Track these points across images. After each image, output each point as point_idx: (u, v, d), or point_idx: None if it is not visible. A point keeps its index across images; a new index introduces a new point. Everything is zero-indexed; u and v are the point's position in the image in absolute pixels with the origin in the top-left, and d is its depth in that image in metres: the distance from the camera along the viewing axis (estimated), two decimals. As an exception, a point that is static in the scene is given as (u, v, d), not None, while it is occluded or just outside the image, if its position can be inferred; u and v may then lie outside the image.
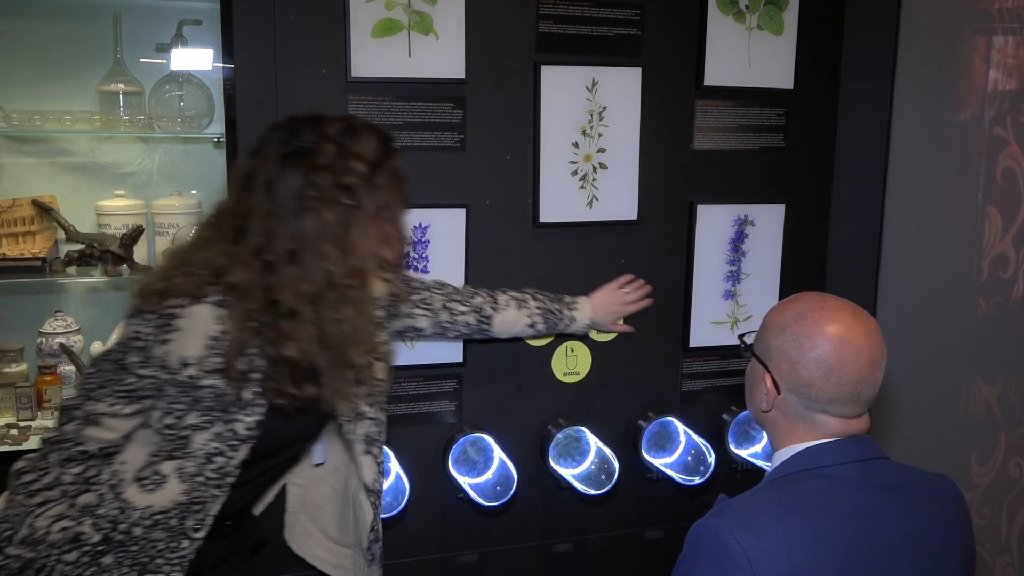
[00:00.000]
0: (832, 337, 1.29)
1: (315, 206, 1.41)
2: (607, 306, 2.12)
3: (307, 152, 1.43)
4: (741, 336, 1.48)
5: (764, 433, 2.36)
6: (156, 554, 1.48)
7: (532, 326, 2.01)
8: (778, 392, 1.34)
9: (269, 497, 1.85)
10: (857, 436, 1.34)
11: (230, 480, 1.50)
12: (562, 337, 2.23)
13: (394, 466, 2.09)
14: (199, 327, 1.41)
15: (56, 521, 1.45)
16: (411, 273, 1.90)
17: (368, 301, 1.51)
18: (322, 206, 1.42)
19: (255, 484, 1.66)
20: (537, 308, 2.01)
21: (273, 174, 1.43)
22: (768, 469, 2.28)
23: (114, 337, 2.32)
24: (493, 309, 1.95)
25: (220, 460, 1.48)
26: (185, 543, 1.50)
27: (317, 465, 1.83)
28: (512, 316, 1.98)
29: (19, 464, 1.49)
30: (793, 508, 1.26)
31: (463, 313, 1.91)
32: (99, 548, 1.46)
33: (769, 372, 1.35)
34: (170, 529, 1.48)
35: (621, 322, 2.21)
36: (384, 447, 1.76)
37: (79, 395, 1.47)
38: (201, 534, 1.51)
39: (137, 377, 1.44)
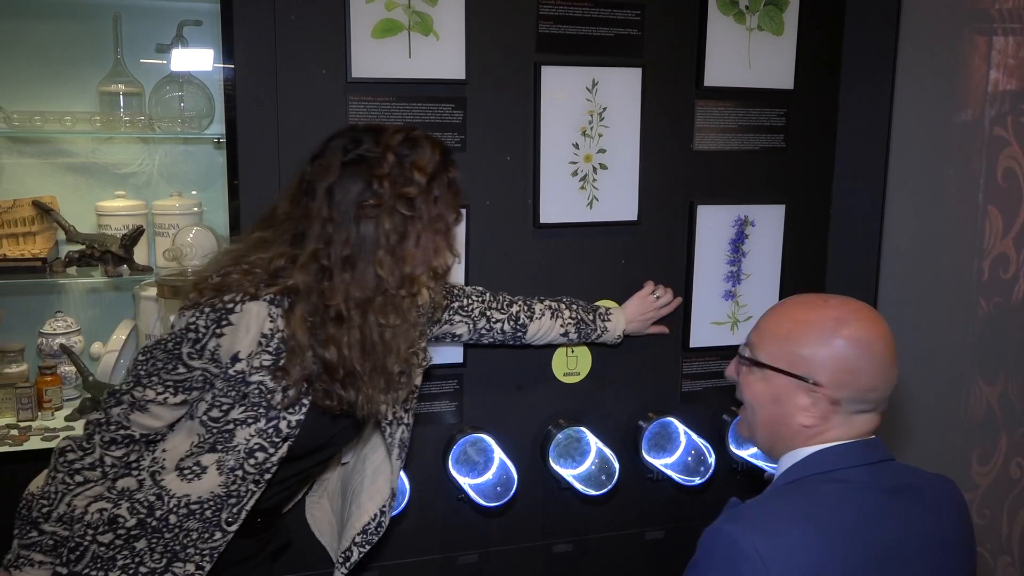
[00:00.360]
0: (882, 337, 1.29)
1: (374, 214, 1.44)
2: (640, 313, 2.17)
3: (368, 161, 1.46)
4: (743, 355, 1.39)
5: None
6: (188, 543, 1.51)
7: (565, 335, 2.05)
8: (831, 403, 1.29)
9: (299, 497, 1.88)
10: (867, 438, 1.33)
11: (268, 476, 1.53)
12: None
13: (394, 466, 2.09)
14: (252, 324, 1.45)
15: (94, 502, 1.49)
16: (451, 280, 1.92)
17: (415, 310, 1.54)
18: (381, 214, 1.44)
19: (289, 483, 1.68)
20: (571, 318, 2.04)
21: (334, 181, 1.45)
22: (769, 469, 2.28)
23: (116, 335, 2.32)
24: (528, 318, 1.99)
25: (261, 456, 1.50)
26: (218, 535, 1.53)
27: (343, 464, 1.86)
28: (547, 325, 2.02)
29: (63, 443, 1.52)
30: (808, 513, 1.25)
31: (500, 321, 1.93)
32: (133, 532, 1.49)
33: (819, 384, 1.29)
34: (205, 520, 1.51)
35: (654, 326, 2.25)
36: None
37: (129, 380, 1.50)
38: (234, 527, 1.54)
39: (188, 368, 1.47)
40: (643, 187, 2.24)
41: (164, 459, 1.52)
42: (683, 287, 2.33)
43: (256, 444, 1.50)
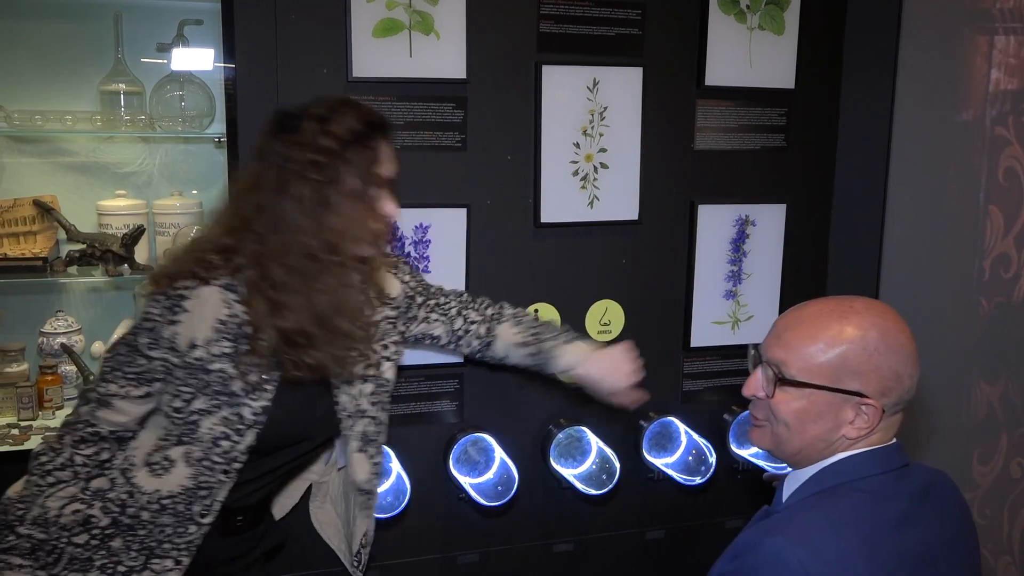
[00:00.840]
0: (908, 333, 1.29)
1: (291, 179, 1.45)
2: (607, 366, 1.85)
3: (290, 129, 1.48)
4: (776, 374, 1.31)
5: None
6: (164, 539, 1.51)
7: (524, 345, 1.85)
8: (882, 412, 1.26)
9: (291, 500, 1.86)
10: (891, 443, 1.31)
11: (237, 466, 1.52)
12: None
13: (395, 466, 2.09)
14: (207, 310, 1.45)
15: (68, 503, 1.48)
16: (428, 281, 1.90)
17: (351, 274, 1.53)
18: (296, 180, 1.45)
19: (267, 480, 1.67)
20: (532, 329, 1.86)
21: (263, 149, 1.49)
22: (770, 469, 2.29)
23: (117, 334, 2.32)
24: (497, 322, 1.88)
25: (226, 444, 1.50)
26: (192, 528, 1.52)
27: (340, 469, 1.83)
28: (510, 331, 1.86)
29: (38, 446, 1.53)
30: (848, 522, 1.23)
31: (476, 323, 1.88)
32: (108, 532, 1.49)
33: (868, 396, 1.25)
34: (177, 514, 1.51)
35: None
36: (384, 448, 1.76)
37: (97, 377, 1.51)
38: (208, 520, 1.53)
39: (147, 359, 1.47)
40: (644, 186, 2.24)
41: (135, 456, 1.52)
42: (684, 286, 2.32)
43: (220, 432, 1.50)
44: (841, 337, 1.26)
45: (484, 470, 2.17)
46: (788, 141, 2.36)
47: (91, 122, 2.27)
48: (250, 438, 1.52)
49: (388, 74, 2.01)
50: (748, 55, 2.28)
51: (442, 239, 2.11)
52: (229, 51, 1.94)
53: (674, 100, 2.25)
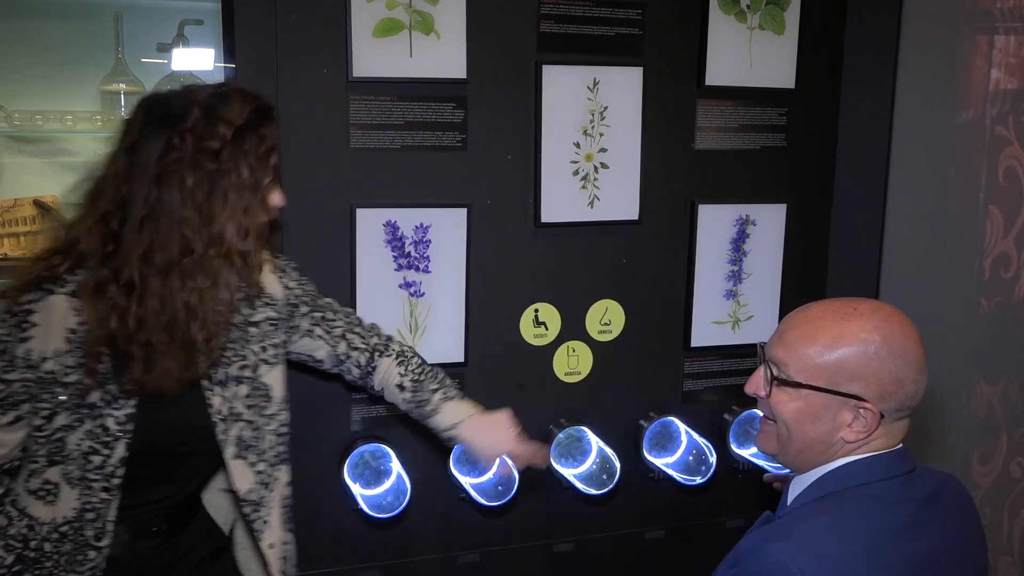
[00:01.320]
0: (915, 338, 1.26)
1: (175, 169, 1.36)
2: (485, 434, 1.74)
3: (173, 117, 1.38)
4: (775, 376, 1.32)
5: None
6: (69, 568, 1.46)
7: (401, 388, 1.74)
8: (881, 417, 1.24)
9: (271, 523, 1.65)
10: (897, 448, 1.29)
11: (116, 481, 1.45)
12: (562, 338, 2.24)
13: (395, 466, 2.09)
14: (56, 320, 1.37)
15: None
16: (318, 295, 1.78)
17: (227, 272, 1.42)
18: (183, 170, 1.36)
19: (168, 486, 1.58)
20: (413, 377, 1.75)
21: (135, 139, 1.39)
22: (772, 470, 2.29)
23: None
24: (380, 355, 1.77)
25: (97, 459, 1.43)
26: (92, 554, 1.47)
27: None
28: (391, 371, 1.75)
29: None
30: (851, 528, 1.21)
31: (359, 349, 1.75)
32: (15, 569, 1.44)
33: (864, 399, 1.24)
34: (75, 541, 1.46)
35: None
36: (277, 458, 1.63)
37: None
38: (105, 542, 1.47)
39: (5, 383, 1.39)
40: (644, 186, 2.24)
41: (17, 486, 1.46)
42: (684, 286, 2.33)
43: (88, 447, 1.43)
44: (841, 339, 1.25)
45: (484, 470, 2.17)
46: (788, 141, 2.36)
47: (91, 122, 2.27)
48: (120, 450, 1.44)
49: (388, 74, 2.01)
50: (748, 55, 2.28)
51: (442, 239, 2.11)
52: (229, 51, 1.94)
53: (674, 100, 2.25)
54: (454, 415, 1.73)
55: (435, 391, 1.75)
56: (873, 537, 1.20)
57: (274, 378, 1.61)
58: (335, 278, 2.06)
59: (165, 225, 1.36)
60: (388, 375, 1.75)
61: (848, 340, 1.24)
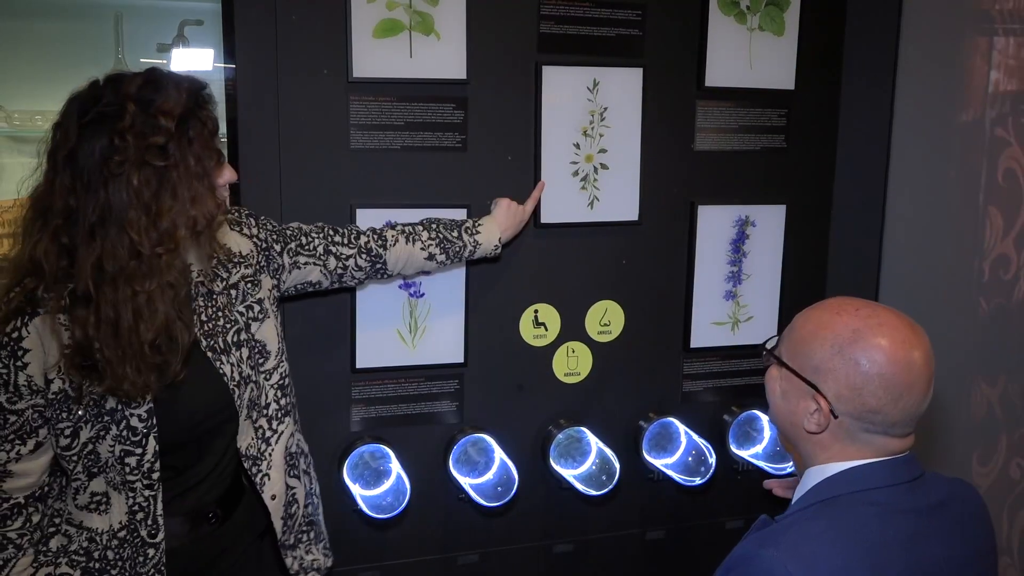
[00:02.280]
0: (900, 361, 1.19)
1: (120, 171, 1.31)
2: (511, 218, 2.01)
3: (108, 116, 1.33)
4: (765, 346, 1.35)
5: (765, 435, 2.36)
6: (133, 571, 1.48)
7: (431, 257, 1.87)
8: (835, 416, 1.23)
9: (272, 475, 1.66)
10: (900, 456, 1.26)
11: (156, 475, 1.46)
12: (562, 338, 2.24)
13: (395, 466, 2.09)
14: (48, 340, 1.37)
15: (34, 572, 1.45)
16: (283, 224, 1.77)
17: (173, 270, 1.39)
18: (129, 171, 1.31)
19: (206, 470, 1.58)
20: (431, 239, 1.87)
21: (73, 146, 1.33)
22: (772, 471, 2.29)
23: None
24: (381, 247, 1.82)
25: (133, 460, 1.44)
26: (151, 552, 1.48)
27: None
28: (405, 251, 1.84)
29: None
30: (848, 535, 1.19)
31: (351, 256, 1.78)
32: None
33: (823, 395, 1.24)
34: (133, 544, 1.48)
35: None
36: (280, 411, 1.66)
37: None
38: (160, 537, 1.49)
39: (17, 414, 1.39)
40: (644, 187, 2.24)
41: (67, 506, 1.48)
42: (684, 287, 2.33)
43: (120, 451, 1.43)
44: (820, 330, 1.25)
45: (484, 470, 2.17)
46: (788, 142, 2.36)
47: (91, 122, 2.26)
48: (151, 445, 1.45)
49: (388, 75, 2.02)
50: (748, 56, 2.28)
51: (442, 239, 2.10)
52: (229, 52, 1.94)
53: (674, 101, 2.25)
54: (489, 239, 1.93)
55: (457, 236, 1.90)
56: (868, 544, 1.18)
57: (266, 333, 1.62)
58: (335, 278, 2.06)
59: (114, 231, 1.33)
60: (410, 257, 1.86)
61: (824, 333, 1.25)
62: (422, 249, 1.86)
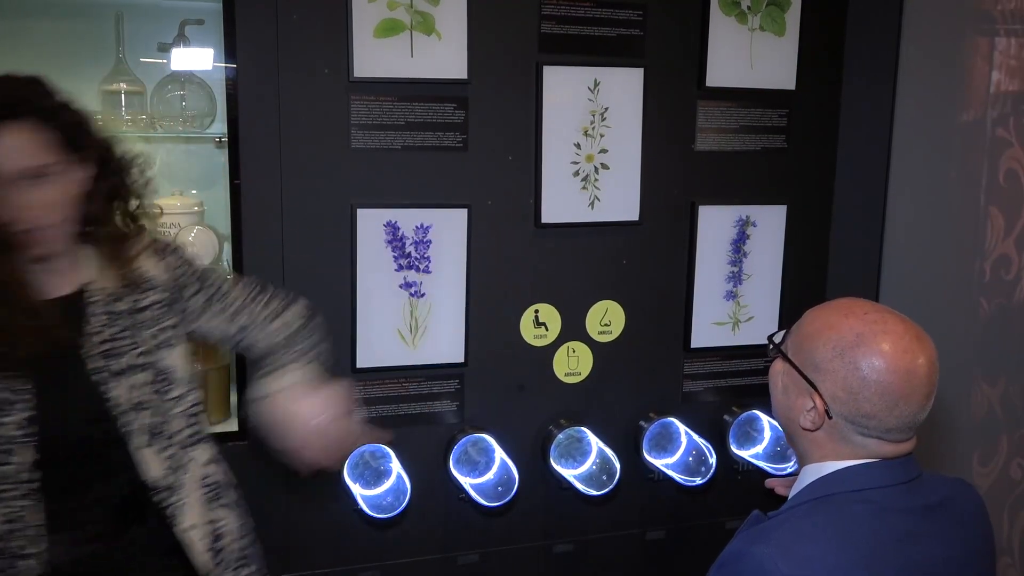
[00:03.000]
0: (900, 370, 1.19)
1: None
2: (287, 412, 1.57)
3: None
4: (771, 339, 1.35)
5: (765, 435, 2.36)
6: None
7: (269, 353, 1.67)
8: (829, 417, 1.23)
9: (188, 504, 1.58)
10: (897, 458, 1.25)
11: (35, 486, 1.43)
12: (562, 338, 2.24)
13: (395, 466, 2.09)
14: None
15: None
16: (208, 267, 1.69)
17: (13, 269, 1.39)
18: None
19: (94, 483, 1.51)
20: (285, 325, 1.67)
21: None
22: (772, 471, 2.28)
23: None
24: (268, 321, 1.68)
25: (7, 469, 1.41)
26: (22, 563, 1.44)
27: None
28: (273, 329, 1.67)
29: None
30: (841, 534, 1.18)
31: (251, 326, 1.66)
32: None
33: (820, 394, 1.23)
34: (3, 553, 1.43)
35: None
36: (191, 439, 1.57)
37: None
38: (34, 550, 1.44)
39: None
40: (645, 187, 2.24)
41: None
42: (684, 287, 2.33)
43: None
44: (827, 329, 1.24)
45: (484, 470, 2.17)
46: (789, 142, 2.36)
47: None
48: (29, 455, 1.41)
49: (389, 74, 2.01)
50: (749, 56, 2.28)
51: (443, 239, 2.11)
52: (230, 51, 1.94)
53: (675, 101, 2.25)
54: (271, 383, 1.60)
55: (286, 355, 1.64)
56: (862, 543, 1.18)
57: (174, 360, 1.57)
58: (335, 278, 2.06)
59: None
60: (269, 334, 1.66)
61: (829, 333, 1.24)
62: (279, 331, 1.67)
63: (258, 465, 2.09)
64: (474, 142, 2.10)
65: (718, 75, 2.26)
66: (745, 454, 2.36)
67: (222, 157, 2.23)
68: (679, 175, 2.28)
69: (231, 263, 2.07)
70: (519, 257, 2.18)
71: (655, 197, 2.26)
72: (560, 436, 2.22)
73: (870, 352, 1.20)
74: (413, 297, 2.12)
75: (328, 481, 2.11)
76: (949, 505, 1.27)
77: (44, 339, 1.42)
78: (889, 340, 1.20)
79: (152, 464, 1.53)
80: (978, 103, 2.19)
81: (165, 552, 1.61)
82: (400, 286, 2.10)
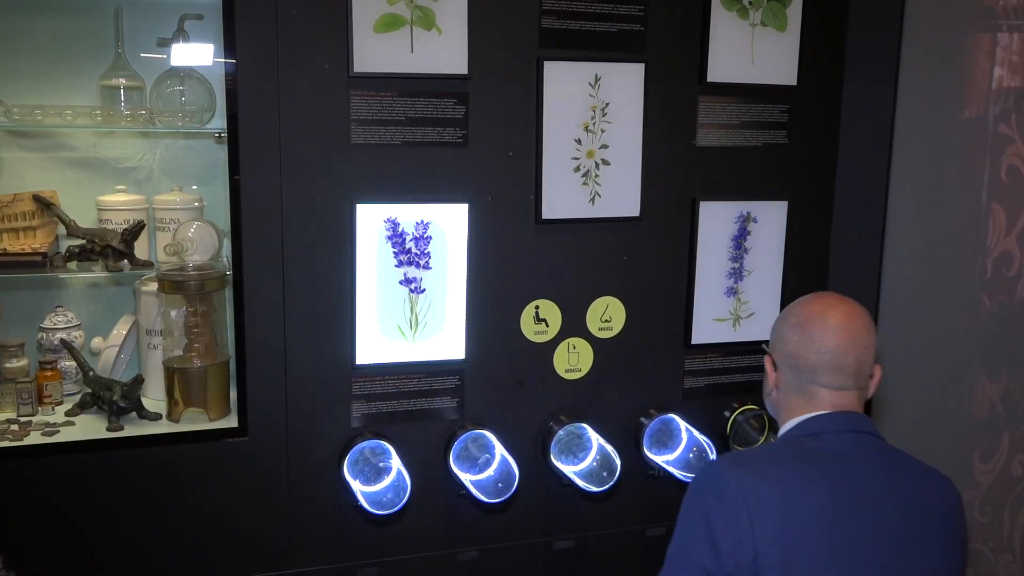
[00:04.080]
0: (813, 314, 1.49)
1: None
2: None
3: None
4: (764, 344, 1.63)
5: (766, 432, 2.36)
6: None
7: None
8: (775, 369, 1.54)
9: None
10: (849, 411, 1.48)
11: None
12: (563, 334, 2.23)
13: (395, 462, 2.09)
14: None
15: None
16: None
17: None
18: None
19: None
20: None
21: None
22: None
23: (117, 330, 2.32)
24: None
25: None
26: None
27: None
28: None
29: None
30: (786, 457, 1.45)
31: None
32: None
33: (770, 355, 1.57)
34: None
35: None
36: None
37: None
38: None
39: None
40: (645, 183, 2.23)
41: None
42: (685, 283, 2.32)
43: None
44: (784, 311, 1.57)
45: (485, 467, 2.17)
46: (790, 138, 2.36)
47: (91, 117, 2.26)
48: None
49: (389, 69, 2.01)
50: (750, 51, 2.27)
51: (443, 235, 2.10)
52: (230, 46, 1.94)
53: (676, 96, 2.24)
54: None
55: None
56: (803, 464, 1.41)
57: None
58: (335, 274, 2.06)
59: None
60: None
61: (783, 313, 1.57)
62: None
63: (258, 461, 2.10)
64: (474, 138, 2.10)
65: (719, 71, 2.25)
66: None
67: (222, 153, 2.22)
68: (680, 171, 2.28)
69: (231, 259, 2.07)
70: (519, 253, 2.18)
71: (656, 193, 2.25)
72: (560, 432, 2.21)
73: (796, 306, 1.54)
74: (413, 293, 2.11)
75: (328, 477, 2.11)
76: (910, 470, 1.47)
77: None
78: (814, 300, 1.52)
79: None
80: (980, 99, 2.18)
81: None
82: (400, 282, 2.10)
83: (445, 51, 2.04)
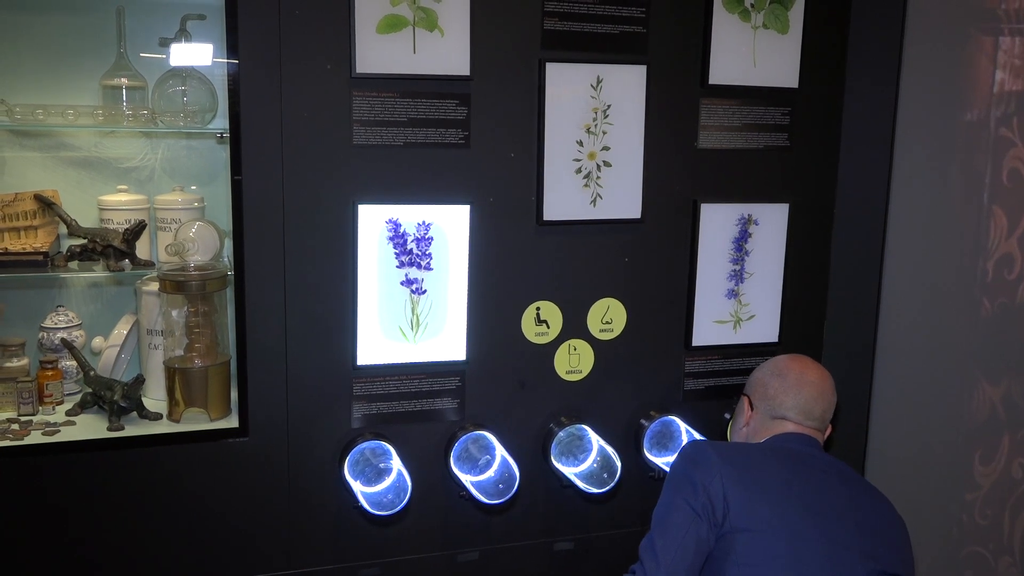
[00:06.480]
0: (794, 370, 1.86)
1: None
2: None
3: None
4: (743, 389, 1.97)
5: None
6: None
7: None
8: (752, 410, 1.88)
9: None
10: (812, 437, 1.81)
11: None
12: (564, 336, 2.24)
13: (396, 463, 2.09)
14: None
15: None
16: None
17: None
18: None
19: None
20: None
21: None
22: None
23: (117, 330, 2.32)
24: None
25: None
26: None
27: None
28: None
29: None
30: (758, 447, 1.78)
31: None
32: None
33: (748, 397, 1.91)
34: None
35: None
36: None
37: None
38: None
39: None
40: (647, 185, 2.23)
41: None
42: (686, 285, 2.32)
43: None
44: (763, 364, 1.94)
45: (485, 468, 2.17)
46: (791, 140, 2.36)
47: (93, 117, 2.26)
48: None
49: (392, 70, 2.01)
50: (752, 54, 2.28)
51: (444, 236, 2.10)
52: (232, 46, 1.94)
53: (678, 98, 2.25)
54: None
55: None
56: (765, 449, 1.76)
57: None
58: (337, 275, 2.06)
59: None
60: None
61: (764, 366, 1.93)
62: None
63: (259, 461, 2.10)
64: (476, 139, 2.10)
65: (721, 73, 2.25)
66: (746, 453, 2.36)
67: (223, 153, 2.23)
68: (681, 173, 2.28)
69: (232, 259, 2.07)
70: (521, 254, 2.18)
71: (657, 195, 2.25)
72: (561, 434, 2.21)
73: (779, 363, 1.89)
74: (414, 294, 2.11)
75: (329, 478, 2.11)
76: (858, 480, 1.74)
77: None
78: (796, 359, 1.89)
79: None
80: (982, 102, 2.19)
81: None
82: (401, 283, 2.10)
83: (447, 52, 2.04)
